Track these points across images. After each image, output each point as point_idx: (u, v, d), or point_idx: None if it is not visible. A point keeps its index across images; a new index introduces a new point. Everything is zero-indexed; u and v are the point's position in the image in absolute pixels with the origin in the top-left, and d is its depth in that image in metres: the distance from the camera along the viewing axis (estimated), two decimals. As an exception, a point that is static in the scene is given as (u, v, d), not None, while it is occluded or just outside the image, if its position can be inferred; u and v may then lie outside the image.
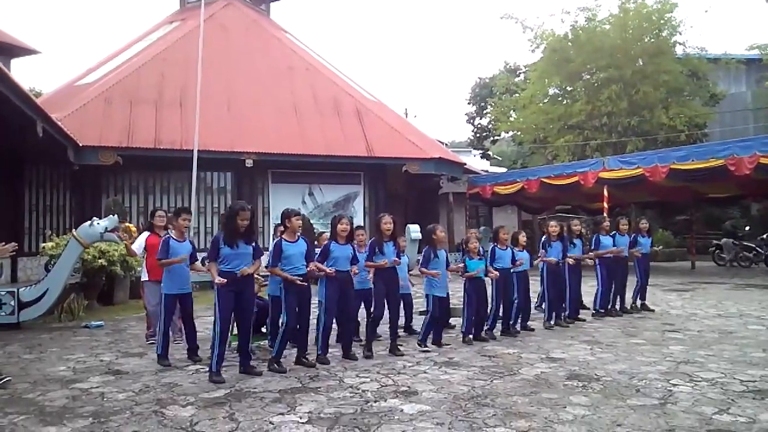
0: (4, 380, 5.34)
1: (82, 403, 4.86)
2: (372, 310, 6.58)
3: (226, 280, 5.51)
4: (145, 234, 7.51)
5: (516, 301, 7.83)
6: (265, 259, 6.17)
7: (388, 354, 6.54)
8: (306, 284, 5.99)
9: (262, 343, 6.97)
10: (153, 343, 7.11)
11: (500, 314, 7.64)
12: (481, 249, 7.43)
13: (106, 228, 8.26)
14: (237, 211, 5.68)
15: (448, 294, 7.28)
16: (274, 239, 6.79)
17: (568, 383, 5.30)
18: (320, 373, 5.77)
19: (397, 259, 6.62)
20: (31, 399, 5.00)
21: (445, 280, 7.02)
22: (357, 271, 6.46)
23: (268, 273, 6.28)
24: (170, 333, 6.52)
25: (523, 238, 8.04)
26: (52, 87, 21.44)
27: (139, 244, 7.45)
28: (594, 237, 9.33)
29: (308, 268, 6.00)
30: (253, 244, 5.82)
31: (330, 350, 6.33)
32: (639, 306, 9.64)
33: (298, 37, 21.71)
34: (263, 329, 7.05)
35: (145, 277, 7.37)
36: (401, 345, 6.77)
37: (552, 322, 8.26)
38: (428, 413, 4.47)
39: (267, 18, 21.85)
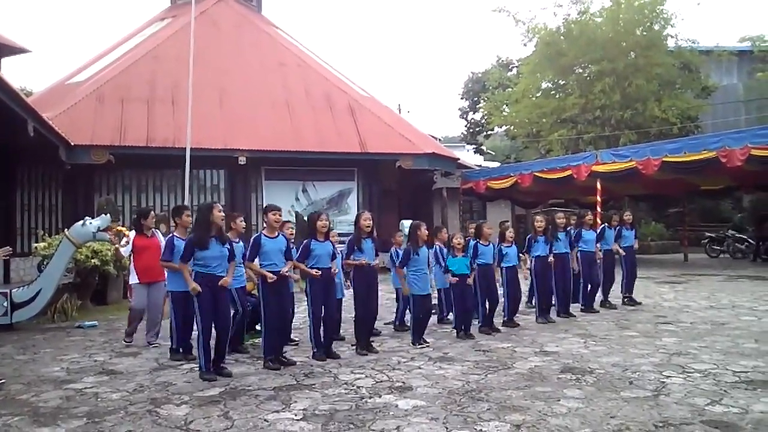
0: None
1: (76, 403, 4.85)
2: (354, 310, 6.54)
3: (199, 288, 5.44)
4: (132, 234, 7.35)
5: (507, 296, 7.86)
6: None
7: (364, 352, 6.42)
8: (285, 279, 6.00)
9: (257, 341, 6.95)
10: (130, 343, 7.08)
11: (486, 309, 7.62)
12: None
13: (99, 227, 8.18)
14: (210, 207, 5.61)
15: (429, 293, 7.15)
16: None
17: (561, 376, 5.32)
18: (315, 369, 5.78)
19: (369, 260, 6.50)
20: (24, 400, 4.98)
21: (427, 277, 6.97)
22: (336, 270, 6.41)
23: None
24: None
25: (510, 233, 8.01)
26: (43, 86, 21.32)
27: (126, 249, 7.31)
28: (576, 231, 9.12)
29: (284, 269, 5.95)
30: (227, 245, 5.69)
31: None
32: (625, 300, 9.53)
33: (289, 33, 21.65)
34: (258, 326, 7.04)
35: (134, 279, 7.13)
36: (398, 339, 6.79)
37: (543, 318, 8.25)
38: (423, 408, 4.48)
39: (258, 14, 21.77)
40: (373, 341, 6.71)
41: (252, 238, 6.07)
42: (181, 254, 5.65)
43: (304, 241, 6.27)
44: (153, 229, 7.31)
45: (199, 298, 5.50)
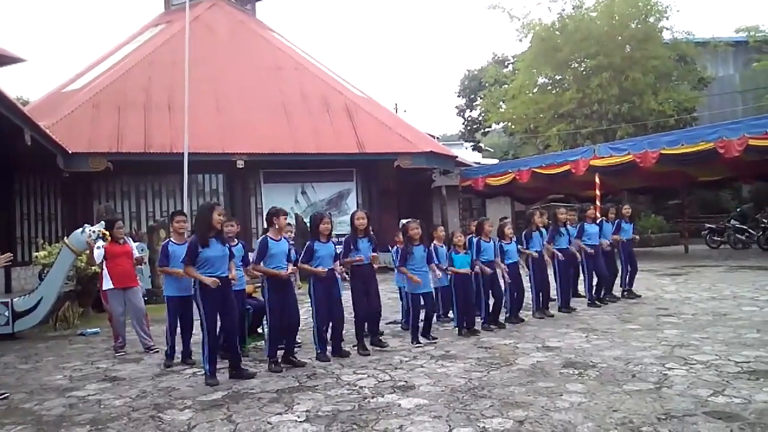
0: (3, 396, 5.29)
1: (79, 411, 4.85)
2: (353, 310, 6.56)
3: (219, 282, 5.41)
4: (101, 243, 7.37)
5: (515, 293, 7.90)
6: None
7: (366, 352, 6.43)
8: (289, 282, 6.06)
9: (259, 344, 6.96)
10: (123, 354, 7.05)
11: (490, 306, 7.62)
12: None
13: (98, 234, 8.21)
14: (211, 207, 5.61)
15: (431, 289, 7.16)
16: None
17: (564, 371, 5.32)
18: (317, 371, 5.78)
19: (375, 254, 6.65)
20: (28, 409, 4.99)
21: (426, 275, 6.99)
22: (342, 271, 6.54)
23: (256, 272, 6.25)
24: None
25: (509, 230, 8.01)
26: (39, 95, 21.32)
27: (99, 252, 7.35)
28: (579, 225, 9.20)
29: (289, 270, 6.01)
30: (227, 245, 5.73)
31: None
32: (626, 293, 9.54)
33: (285, 36, 21.65)
34: (259, 329, 7.05)
35: (108, 285, 7.14)
36: (400, 338, 6.80)
37: (540, 313, 8.22)
38: (426, 407, 4.48)
39: (253, 18, 21.77)
40: (381, 336, 6.75)
41: (259, 241, 6.10)
42: (183, 257, 5.61)
43: (307, 243, 6.32)
44: (125, 237, 7.45)
45: (204, 301, 5.45)
